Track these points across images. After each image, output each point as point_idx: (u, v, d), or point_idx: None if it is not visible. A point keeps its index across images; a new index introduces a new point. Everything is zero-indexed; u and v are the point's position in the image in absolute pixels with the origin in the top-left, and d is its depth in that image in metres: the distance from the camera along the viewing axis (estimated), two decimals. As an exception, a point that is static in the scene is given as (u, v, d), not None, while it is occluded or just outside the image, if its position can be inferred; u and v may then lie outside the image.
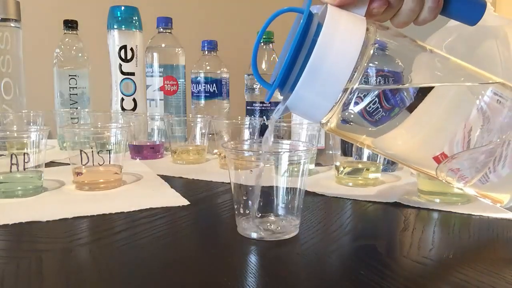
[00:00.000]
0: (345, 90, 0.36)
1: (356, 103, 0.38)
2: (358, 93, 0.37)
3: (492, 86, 0.39)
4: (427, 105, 0.39)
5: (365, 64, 0.36)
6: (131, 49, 0.90)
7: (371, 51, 0.36)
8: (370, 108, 0.38)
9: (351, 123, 0.40)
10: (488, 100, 0.39)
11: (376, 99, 0.38)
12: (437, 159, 0.40)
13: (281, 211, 0.40)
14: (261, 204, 0.40)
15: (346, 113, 0.39)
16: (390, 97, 0.38)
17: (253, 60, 0.39)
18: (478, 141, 0.39)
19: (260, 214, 0.40)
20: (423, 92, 0.39)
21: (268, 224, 0.40)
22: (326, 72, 0.35)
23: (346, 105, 0.38)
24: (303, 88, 0.36)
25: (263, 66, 0.88)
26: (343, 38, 0.35)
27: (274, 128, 0.68)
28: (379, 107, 0.38)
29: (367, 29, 0.37)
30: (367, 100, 0.38)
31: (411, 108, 0.39)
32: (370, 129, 0.40)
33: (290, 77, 0.37)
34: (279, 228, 0.40)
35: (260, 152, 0.41)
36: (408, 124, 0.40)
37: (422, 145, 0.42)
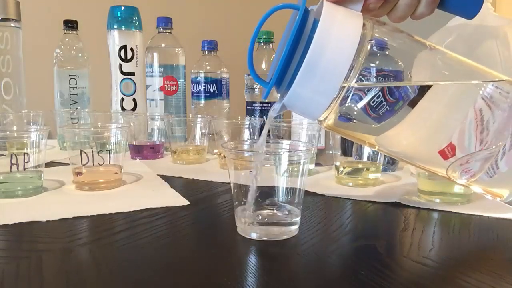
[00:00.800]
0: (342, 86, 0.36)
1: (359, 99, 0.38)
2: (359, 89, 0.37)
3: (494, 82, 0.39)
4: (429, 99, 0.39)
5: (362, 60, 0.36)
6: (131, 49, 0.90)
7: (368, 47, 0.36)
8: (374, 103, 0.38)
9: (354, 121, 0.40)
10: (490, 91, 0.39)
11: (380, 93, 0.38)
12: (442, 153, 0.40)
13: (280, 211, 0.40)
14: (261, 204, 0.40)
15: (348, 110, 0.39)
16: (394, 90, 0.38)
17: (249, 57, 0.39)
18: (490, 127, 0.39)
19: (260, 217, 0.40)
20: (425, 87, 0.39)
21: (268, 225, 0.40)
22: (323, 69, 0.35)
23: (344, 102, 0.37)
24: (300, 85, 0.36)
25: (263, 66, 0.88)
26: (339, 34, 0.35)
27: (274, 128, 0.68)
28: (383, 100, 0.38)
29: (364, 25, 0.36)
30: (370, 94, 0.38)
31: (413, 103, 0.39)
32: (373, 126, 0.40)
33: (286, 75, 0.37)
34: (278, 228, 0.40)
35: (257, 152, 0.41)
36: (410, 119, 0.40)
37: (426, 139, 0.42)
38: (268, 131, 0.69)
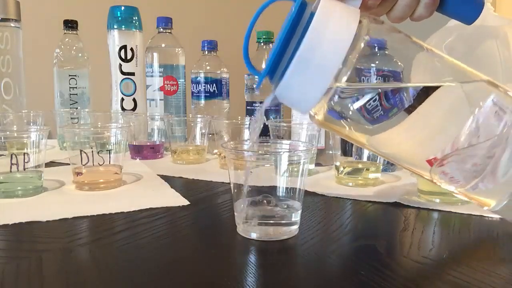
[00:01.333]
0: (334, 81, 0.35)
1: (355, 99, 0.38)
2: (354, 90, 0.37)
3: (493, 95, 0.38)
4: (427, 108, 0.39)
5: (356, 56, 0.36)
6: (131, 49, 0.90)
7: (362, 45, 0.36)
8: (370, 106, 0.37)
9: (348, 119, 0.40)
10: (487, 111, 0.38)
11: (377, 96, 0.37)
12: (430, 162, 0.40)
13: (280, 211, 0.40)
14: (261, 204, 0.40)
15: (342, 107, 0.38)
16: (390, 97, 0.38)
17: (244, 46, 0.39)
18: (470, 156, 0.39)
19: (260, 212, 0.40)
20: (422, 95, 0.39)
21: (268, 225, 0.40)
22: (316, 61, 0.35)
23: (337, 98, 0.37)
24: (292, 76, 0.35)
25: (263, 66, 0.88)
26: (335, 28, 0.35)
27: (274, 128, 0.68)
28: (379, 105, 0.37)
29: (360, 22, 0.36)
30: (366, 97, 0.37)
31: (409, 110, 0.39)
32: (366, 127, 0.40)
33: (280, 65, 0.37)
34: (278, 228, 0.40)
35: (254, 140, 0.41)
36: (405, 126, 0.39)
37: (417, 147, 0.42)
38: (268, 132, 0.69)
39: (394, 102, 0.38)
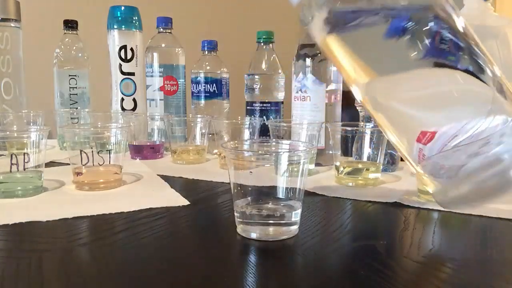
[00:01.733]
0: None
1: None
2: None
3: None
4: (457, 76, 0.35)
5: None
6: (131, 49, 0.90)
7: None
8: (446, 34, 0.33)
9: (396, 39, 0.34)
10: (495, 124, 0.35)
11: (450, 32, 0.33)
12: (423, 133, 0.37)
13: (280, 211, 0.40)
14: (261, 204, 0.40)
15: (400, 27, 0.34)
16: (460, 40, 0.33)
17: None
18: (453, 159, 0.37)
19: (259, 216, 0.40)
20: (470, 64, 0.35)
21: (268, 224, 0.40)
22: None
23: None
24: None
25: (263, 66, 0.88)
26: None
27: (274, 128, 0.68)
28: (449, 38, 0.33)
29: None
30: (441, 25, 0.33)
31: (440, 65, 0.34)
32: (393, 57, 0.34)
33: None
34: (278, 228, 0.40)
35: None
36: (423, 80, 0.35)
37: (420, 111, 0.38)
38: (268, 132, 0.69)
39: (458, 49, 0.34)
